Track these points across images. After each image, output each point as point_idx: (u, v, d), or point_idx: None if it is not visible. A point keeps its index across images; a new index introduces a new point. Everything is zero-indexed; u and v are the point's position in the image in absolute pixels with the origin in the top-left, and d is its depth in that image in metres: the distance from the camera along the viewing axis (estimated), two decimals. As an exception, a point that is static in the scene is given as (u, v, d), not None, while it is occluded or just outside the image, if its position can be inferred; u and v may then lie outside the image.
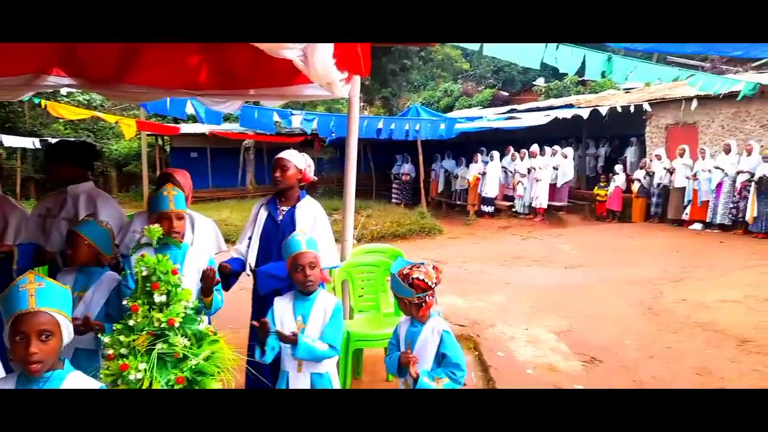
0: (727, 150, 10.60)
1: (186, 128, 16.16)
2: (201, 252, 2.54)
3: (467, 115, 20.69)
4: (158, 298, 1.83)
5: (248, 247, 2.92)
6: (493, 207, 13.74)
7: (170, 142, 19.52)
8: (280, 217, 2.90)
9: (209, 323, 2.04)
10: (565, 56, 5.19)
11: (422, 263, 2.33)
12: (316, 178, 3.14)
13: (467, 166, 14.72)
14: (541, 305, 6.28)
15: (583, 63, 5.48)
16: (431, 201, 15.88)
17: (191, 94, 3.90)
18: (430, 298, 2.29)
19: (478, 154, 14.23)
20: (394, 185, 16.96)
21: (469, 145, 16.26)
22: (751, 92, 6.99)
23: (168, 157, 19.88)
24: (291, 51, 2.06)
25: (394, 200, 16.42)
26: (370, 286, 3.84)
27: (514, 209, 13.74)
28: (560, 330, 5.32)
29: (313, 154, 19.06)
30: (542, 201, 12.89)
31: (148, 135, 16.47)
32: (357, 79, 3.46)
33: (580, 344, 4.87)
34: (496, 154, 13.79)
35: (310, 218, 2.90)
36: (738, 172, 10.18)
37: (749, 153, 10.16)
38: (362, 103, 23.02)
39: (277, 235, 2.86)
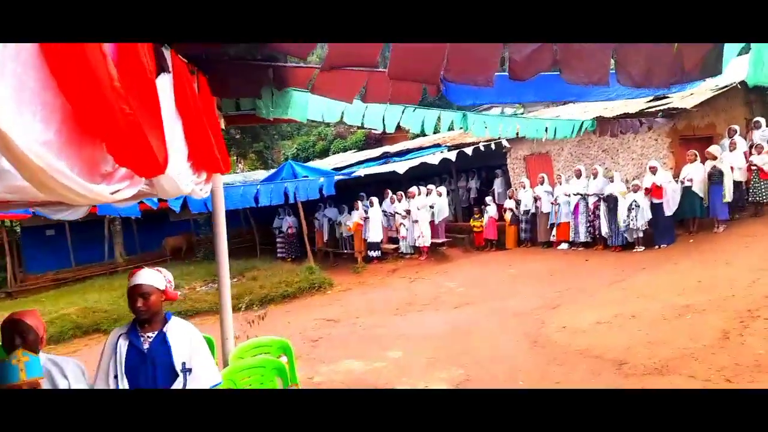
0: (578, 174, 11.72)
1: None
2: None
3: (343, 162, 21.00)
4: None
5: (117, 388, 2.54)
6: (379, 251, 13.88)
7: (20, 222, 17.42)
8: (146, 346, 2.57)
9: None
10: (416, 117, 5.44)
11: None
12: (179, 293, 2.87)
13: (349, 212, 14.81)
14: (437, 355, 6.33)
15: (439, 119, 5.78)
16: (318, 252, 15.69)
17: (29, 206, 3.45)
18: None
19: (359, 201, 14.39)
20: (278, 240, 16.53)
21: (349, 191, 16.41)
22: (591, 128, 7.85)
23: (19, 239, 17.70)
24: (130, 190, 1.85)
25: (279, 255, 15.99)
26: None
27: (400, 251, 13.99)
28: (458, 381, 5.37)
29: (188, 215, 18.18)
30: (425, 240, 13.27)
31: (-11, 219, 14.56)
32: (217, 176, 3.27)
33: (479, 396, 4.92)
34: (375, 199, 14.03)
35: (186, 341, 2.61)
36: (588, 194, 11.27)
37: (595, 176, 11.32)
38: (236, 157, 22.41)
39: (146, 369, 2.53)
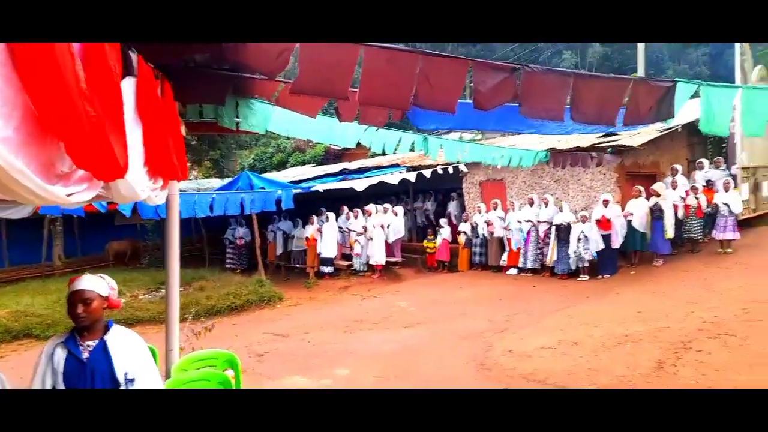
0: (531, 203, 12.10)
1: (-30, 201, 13.71)
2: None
3: (301, 175, 20.88)
4: None
5: None
6: (332, 267, 13.82)
7: (-51, 217, 16.37)
8: (86, 355, 2.46)
9: None
10: (380, 137, 5.53)
11: None
12: (122, 301, 2.77)
13: (304, 227, 14.70)
14: (385, 374, 6.33)
15: (400, 141, 5.89)
16: (269, 265, 15.46)
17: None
18: None
19: (314, 216, 14.31)
20: (228, 250, 16.21)
21: (306, 205, 16.30)
22: (545, 159, 8.19)
23: (-54, 236, 16.61)
24: (87, 193, 1.80)
25: (229, 266, 15.65)
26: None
27: (353, 268, 13.96)
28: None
29: (136, 220, 17.56)
30: (379, 258, 13.31)
31: None
32: (174, 183, 3.21)
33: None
34: (331, 215, 14.00)
35: (129, 350, 2.52)
36: (539, 222, 11.64)
37: (546, 205, 11.72)
38: (190, 164, 21.92)
39: (85, 379, 2.42)
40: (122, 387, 2.46)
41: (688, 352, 5.79)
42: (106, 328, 2.55)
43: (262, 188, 13.82)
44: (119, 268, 15.39)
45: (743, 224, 10.74)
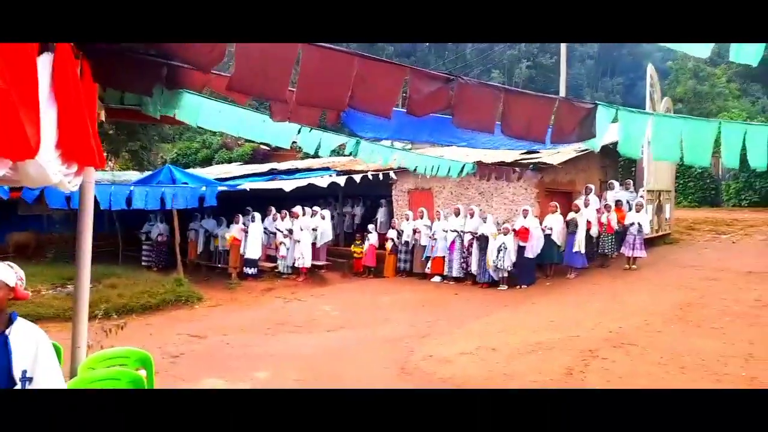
0: (457, 213, 12.43)
1: None
2: None
3: (227, 173, 20.27)
4: None
5: None
6: (256, 268, 13.48)
7: None
8: (-17, 349, 2.25)
9: None
10: (314, 138, 5.50)
11: None
12: (29, 292, 2.56)
13: (228, 226, 14.25)
14: (305, 377, 6.26)
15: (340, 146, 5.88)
16: (189, 263, 14.84)
17: None
18: None
19: (240, 215, 13.92)
20: (145, 246, 15.38)
21: (231, 204, 15.82)
22: (472, 170, 8.46)
23: None
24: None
25: (144, 263, 14.86)
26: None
27: (277, 270, 13.70)
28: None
29: (42, 210, 16.28)
30: (304, 261, 13.15)
31: None
32: (90, 169, 3.01)
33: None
34: (257, 215, 13.68)
35: (31, 346, 2.32)
36: (464, 232, 11.98)
37: (471, 215, 12.09)
38: (107, 154, 20.60)
39: None
40: (17, 386, 2.26)
41: (595, 359, 6.16)
42: (10, 321, 2.34)
43: (185, 184, 13.27)
44: (21, 261, 14.04)
45: (647, 243, 11.60)
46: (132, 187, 11.58)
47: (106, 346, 4.50)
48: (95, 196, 4.34)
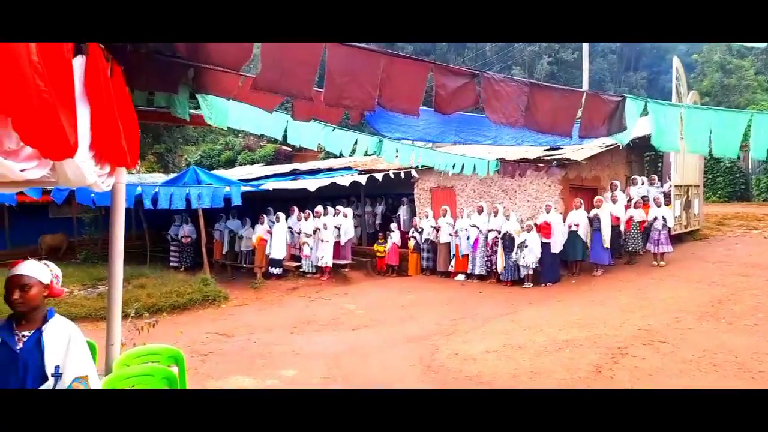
0: (480, 211, 12.35)
1: None
2: None
3: (250, 174, 20.47)
4: None
5: None
6: (281, 268, 13.61)
7: None
8: (20, 345, 2.31)
9: None
10: (337, 138, 5.52)
11: None
12: (66, 290, 2.63)
13: (252, 226, 14.41)
14: (331, 375, 6.30)
15: (356, 143, 5.89)
16: (215, 264, 15.07)
17: None
18: None
19: (264, 215, 14.07)
20: (172, 248, 15.66)
21: (254, 204, 16.00)
22: (495, 169, 8.40)
23: None
24: (39, 170, 1.70)
25: (172, 264, 15.14)
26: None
27: (301, 269, 13.80)
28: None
29: (71, 212, 16.69)
30: (328, 260, 13.23)
31: None
32: (122, 170, 3.08)
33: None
34: (281, 215, 13.80)
35: (63, 341, 2.38)
36: (488, 230, 11.90)
37: (495, 213, 12.00)
38: (133, 157, 21.02)
39: (16, 369, 2.27)
40: (50, 380, 2.31)
41: (624, 357, 6.06)
42: (45, 318, 2.41)
43: (210, 184, 13.45)
44: (53, 263, 14.55)
45: (675, 239, 11.37)
46: (157, 188, 11.77)
47: (138, 343, 4.59)
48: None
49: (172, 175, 17.01)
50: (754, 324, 6.92)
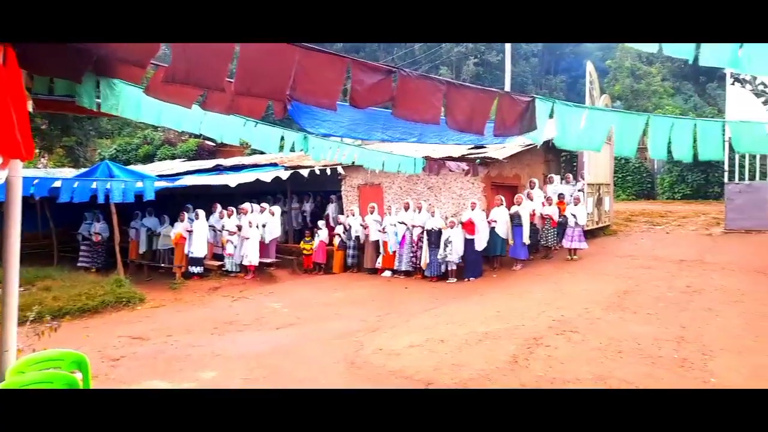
0: (406, 207, 12.52)
1: None
2: None
3: (171, 169, 19.62)
4: None
5: None
6: (202, 267, 13.13)
7: None
8: None
9: None
10: (264, 134, 5.39)
11: None
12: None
13: (171, 224, 13.80)
14: (253, 375, 6.15)
15: (282, 139, 5.79)
16: (130, 264, 14.31)
17: None
18: None
19: (184, 212, 13.50)
20: (82, 247, 14.67)
21: (173, 201, 15.33)
22: (422, 166, 8.57)
23: None
24: None
25: (82, 265, 14.17)
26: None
27: (224, 268, 13.40)
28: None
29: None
30: (252, 259, 12.92)
31: None
32: (17, 163, 2.84)
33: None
34: (201, 212, 13.31)
35: None
36: (414, 226, 12.10)
37: (420, 210, 12.21)
38: (39, 150, 19.47)
39: None
40: None
41: (539, 347, 6.36)
42: None
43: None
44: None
45: (588, 234, 12.08)
46: (58, 183, 10.86)
47: (38, 349, 4.26)
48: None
49: (83, 170, 15.94)
50: (655, 313, 7.49)
